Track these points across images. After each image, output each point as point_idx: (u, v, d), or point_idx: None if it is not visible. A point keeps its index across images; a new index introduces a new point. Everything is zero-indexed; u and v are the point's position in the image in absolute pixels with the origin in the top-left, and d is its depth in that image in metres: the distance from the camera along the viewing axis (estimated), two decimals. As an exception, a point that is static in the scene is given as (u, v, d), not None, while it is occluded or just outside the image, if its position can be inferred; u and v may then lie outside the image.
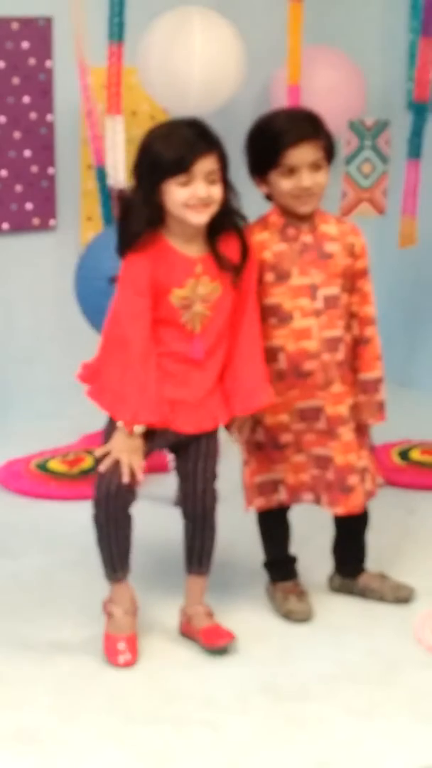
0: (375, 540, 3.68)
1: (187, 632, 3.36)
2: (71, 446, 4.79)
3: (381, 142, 4.47)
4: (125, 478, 3.14)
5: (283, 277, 3.32)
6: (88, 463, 4.57)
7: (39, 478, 4.50)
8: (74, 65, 4.56)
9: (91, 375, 3.22)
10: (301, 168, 3.25)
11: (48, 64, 4.97)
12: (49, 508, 4.30)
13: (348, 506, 3.41)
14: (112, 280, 3.20)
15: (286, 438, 3.41)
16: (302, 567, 3.60)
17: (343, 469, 3.38)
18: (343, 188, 4.38)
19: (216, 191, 3.09)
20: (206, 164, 3.06)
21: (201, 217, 3.09)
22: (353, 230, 3.42)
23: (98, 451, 3.20)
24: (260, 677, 3.18)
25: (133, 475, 3.16)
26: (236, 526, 3.47)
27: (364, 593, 3.58)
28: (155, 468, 4.19)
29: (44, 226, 5.08)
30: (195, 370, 3.19)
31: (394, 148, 4.50)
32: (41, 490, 4.42)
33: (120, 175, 4.14)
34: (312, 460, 3.42)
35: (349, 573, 3.61)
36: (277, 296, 3.32)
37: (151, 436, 3.19)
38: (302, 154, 3.24)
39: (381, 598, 3.56)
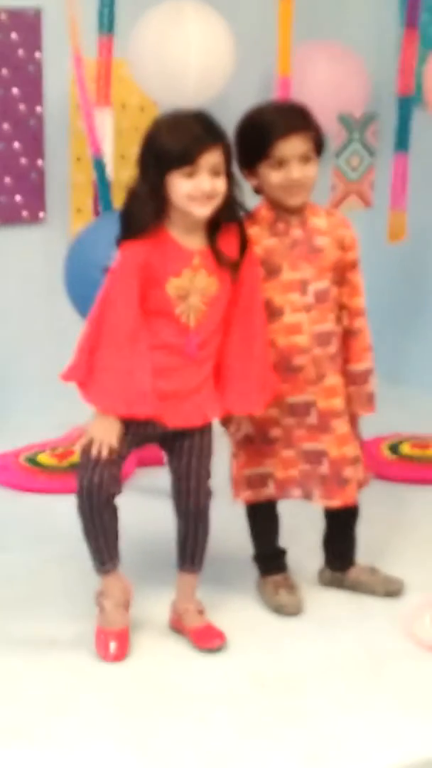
0: (365, 533, 3.68)
1: (177, 628, 3.36)
2: (61, 439, 4.78)
3: (368, 134, 4.47)
4: (94, 452, 3.12)
5: (273, 272, 3.31)
6: (77, 456, 4.54)
7: (28, 472, 4.50)
8: (64, 57, 4.55)
9: (84, 372, 3.16)
10: (291, 160, 3.24)
11: (37, 55, 4.95)
12: (39, 502, 4.29)
13: (344, 498, 3.42)
14: (107, 270, 3.19)
15: (275, 432, 3.41)
16: (292, 561, 3.60)
17: (339, 461, 3.39)
18: (332, 181, 4.38)
19: (220, 184, 3.08)
20: (212, 157, 3.05)
21: (204, 210, 3.08)
22: (343, 222, 3.41)
23: (80, 441, 3.18)
24: (250, 670, 3.18)
25: (117, 466, 3.15)
26: (227, 520, 3.46)
27: (354, 587, 3.58)
28: (150, 461, 4.18)
29: (33, 219, 5.07)
30: (187, 365, 3.18)
31: (384, 141, 4.50)
32: (31, 483, 4.42)
33: (108, 167, 4.14)
34: (302, 456, 3.42)
35: (339, 566, 3.61)
36: (268, 291, 3.31)
37: (138, 428, 3.18)
38: (292, 146, 3.24)
39: (371, 591, 3.56)
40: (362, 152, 4.43)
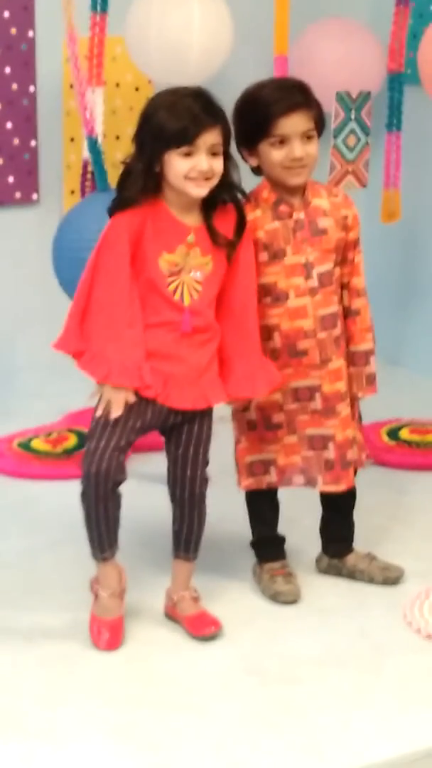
0: (364, 520, 3.66)
1: (172, 615, 3.34)
2: (54, 425, 4.76)
3: (364, 113, 4.44)
4: (116, 410, 3.08)
5: (277, 255, 3.29)
6: (71, 442, 4.55)
7: (22, 458, 4.47)
8: (57, 36, 4.52)
9: (77, 341, 3.12)
10: (293, 138, 3.20)
11: (30, 34, 4.91)
12: (32, 488, 4.27)
13: (348, 481, 3.42)
14: None
15: (278, 418, 3.39)
16: (289, 549, 3.58)
17: (344, 444, 3.39)
18: (330, 161, 4.34)
19: (218, 164, 3.05)
20: (210, 137, 3.03)
21: (201, 190, 3.06)
22: (345, 202, 3.38)
23: (91, 395, 3.13)
24: (246, 660, 3.16)
25: (123, 453, 3.12)
26: (223, 507, 3.46)
27: (352, 574, 3.56)
28: (147, 446, 4.15)
29: (26, 200, 5.05)
30: (187, 345, 3.14)
31: (379, 120, 4.48)
32: (24, 469, 4.39)
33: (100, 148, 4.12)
34: (305, 441, 3.39)
35: (337, 552, 3.59)
36: (272, 275, 3.29)
37: (143, 412, 3.14)
38: (294, 123, 3.20)
39: (369, 579, 3.54)
40: (358, 132, 4.40)
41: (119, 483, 3.16)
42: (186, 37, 4.26)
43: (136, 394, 3.11)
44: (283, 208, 3.30)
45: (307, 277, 3.30)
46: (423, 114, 5.22)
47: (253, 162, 3.29)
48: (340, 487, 3.42)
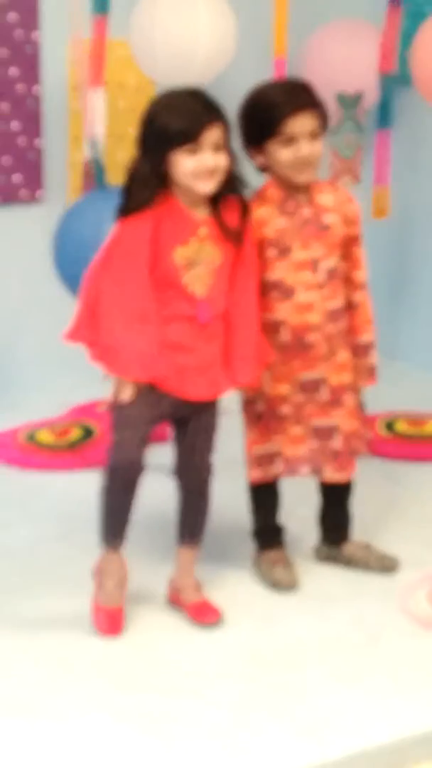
0: (360, 511, 3.70)
1: (175, 602, 3.38)
2: (60, 417, 4.79)
3: (359, 112, 4.49)
4: (123, 398, 3.14)
5: (284, 252, 3.34)
6: (76, 434, 4.58)
7: (28, 450, 4.50)
8: (62, 37, 4.54)
9: (89, 333, 3.17)
10: (300, 137, 3.26)
11: (35, 35, 4.94)
12: (38, 480, 4.30)
13: (352, 470, 3.49)
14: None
15: (285, 409, 3.44)
16: (288, 538, 3.62)
17: (351, 435, 3.45)
18: (330, 160, 4.39)
19: (222, 159, 3.11)
20: (213, 133, 3.08)
21: (208, 186, 3.11)
22: (348, 198, 3.44)
23: (107, 377, 3.18)
24: (246, 646, 3.20)
25: (139, 451, 3.18)
26: (223, 497, 3.47)
27: (349, 563, 3.61)
28: (154, 437, 4.20)
29: (31, 199, 5.07)
30: (200, 337, 3.20)
31: (371, 118, 4.53)
32: (30, 461, 4.43)
33: (100, 148, 4.15)
34: (310, 432, 3.45)
35: (335, 539, 3.63)
36: (279, 271, 3.35)
37: (159, 404, 3.20)
38: (301, 123, 3.26)
39: (366, 567, 3.58)
40: (354, 130, 4.45)
41: (140, 475, 3.22)
42: (191, 41, 4.28)
43: (153, 386, 3.16)
44: (289, 205, 3.35)
45: (315, 271, 3.36)
46: (415, 113, 5.27)
47: (260, 161, 3.34)
48: (346, 476, 3.49)
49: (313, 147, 3.29)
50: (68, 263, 4.16)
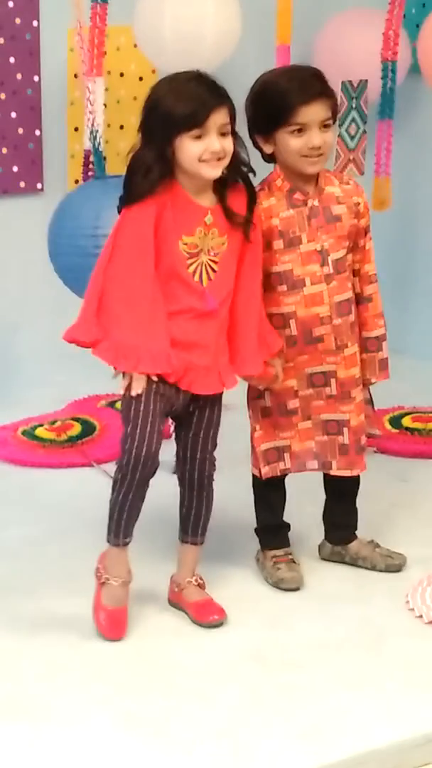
0: (366, 508, 3.67)
1: (176, 601, 3.35)
2: (58, 413, 4.77)
3: (362, 102, 4.46)
4: (134, 392, 3.08)
5: (292, 243, 3.31)
6: (75, 430, 4.56)
7: (26, 446, 4.48)
8: (61, 26, 4.51)
9: (94, 330, 3.11)
10: (312, 126, 3.22)
11: (34, 23, 4.91)
12: (37, 476, 4.28)
13: (362, 466, 3.45)
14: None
15: (293, 404, 3.41)
16: (292, 536, 3.59)
17: (358, 429, 3.42)
18: (336, 150, 4.36)
19: (228, 144, 3.07)
20: (219, 117, 3.04)
21: (215, 171, 3.07)
22: (356, 189, 3.41)
23: (116, 373, 3.13)
24: (250, 646, 3.17)
25: (153, 443, 3.12)
26: (226, 494, 3.45)
27: (355, 561, 3.57)
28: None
29: (31, 189, 5.04)
30: (206, 330, 3.15)
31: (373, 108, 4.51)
32: (28, 457, 4.40)
33: (99, 137, 4.12)
34: (319, 427, 3.42)
35: (340, 539, 3.60)
36: (287, 263, 3.31)
37: (171, 398, 3.15)
38: (313, 112, 3.22)
39: (372, 566, 3.55)
40: (358, 120, 4.41)
41: (154, 472, 3.17)
42: (200, 27, 4.26)
43: (164, 381, 3.11)
44: (297, 196, 3.31)
45: (323, 264, 3.32)
46: (422, 103, 5.25)
47: (269, 149, 3.29)
48: (355, 472, 3.45)
49: (324, 137, 3.24)
50: (63, 254, 4.10)
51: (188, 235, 3.11)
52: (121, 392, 3.13)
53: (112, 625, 3.20)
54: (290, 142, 3.24)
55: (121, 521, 3.21)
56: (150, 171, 3.05)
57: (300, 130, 3.22)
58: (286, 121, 3.22)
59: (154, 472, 3.17)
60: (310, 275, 3.32)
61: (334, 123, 3.29)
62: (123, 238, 3.09)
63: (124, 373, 3.12)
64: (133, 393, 3.09)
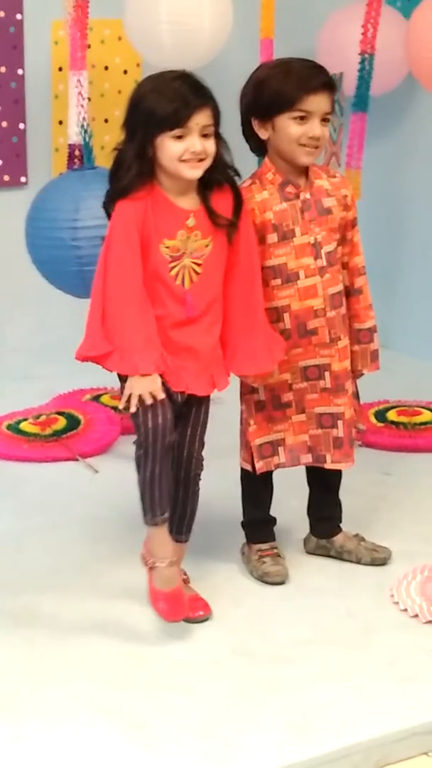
0: (351, 502, 3.67)
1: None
2: (43, 407, 4.76)
3: (341, 95, 4.47)
4: (148, 402, 3.03)
5: (286, 236, 3.30)
6: (60, 424, 4.55)
7: (11, 440, 4.47)
8: (45, 19, 4.50)
9: (103, 345, 3.07)
10: (315, 116, 3.22)
11: (18, 16, 4.89)
12: (22, 470, 4.26)
13: (353, 458, 3.46)
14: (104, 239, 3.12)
15: (287, 397, 3.41)
16: (277, 530, 3.58)
17: (351, 422, 3.43)
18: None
19: (210, 145, 3.04)
20: (201, 118, 3.01)
21: (195, 172, 3.05)
22: (343, 182, 3.42)
23: (121, 402, 3.09)
24: (235, 640, 3.16)
25: (165, 413, 3.07)
26: (213, 487, 3.44)
27: (340, 554, 3.57)
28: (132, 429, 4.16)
29: (15, 183, 5.03)
30: (193, 332, 3.13)
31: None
32: (13, 451, 4.39)
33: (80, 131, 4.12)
34: (314, 420, 3.42)
35: (325, 532, 3.60)
36: (282, 256, 3.31)
37: (170, 396, 3.12)
38: (320, 102, 3.22)
39: (357, 559, 3.55)
40: (338, 112, 4.41)
41: (171, 440, 3.12)
42: (199, 19, 4.27)
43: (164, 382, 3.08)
44: (289, 189, 3.31)
45: (316, 256, 3.32)
46: (415, 99, 5.25)
47: (264, 135, 3.28)
48: (349, 464, 3.46)
49: (323, 130, 3.25)
50: (41, 246, 4.08)
51: (170, 238, 3.08)
52: (127, 406, 3.07)
53: (173, 608, 3.16)
54: (291, 128, 3.23)
55: (154, 497, 3.14)
56: (131, 168, 3.04)
57: (303, 118, 3.21)
58: (292, 107, 3.21)
59: (170, 445, 3.13)
60: (304, 268, 3.32)
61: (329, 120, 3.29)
62: (114, 244, 3.05)
63: (126, 377, 3.07)
64: (148, 402, 3.03)
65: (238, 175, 3.19)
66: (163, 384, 3.07)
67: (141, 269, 3.04)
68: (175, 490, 3.27)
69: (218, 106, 3.07)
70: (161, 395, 3.04)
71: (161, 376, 3.07)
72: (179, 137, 3.01)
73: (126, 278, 3.04)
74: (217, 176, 3.11)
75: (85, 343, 3.07)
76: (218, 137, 3.08)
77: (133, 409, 3.06)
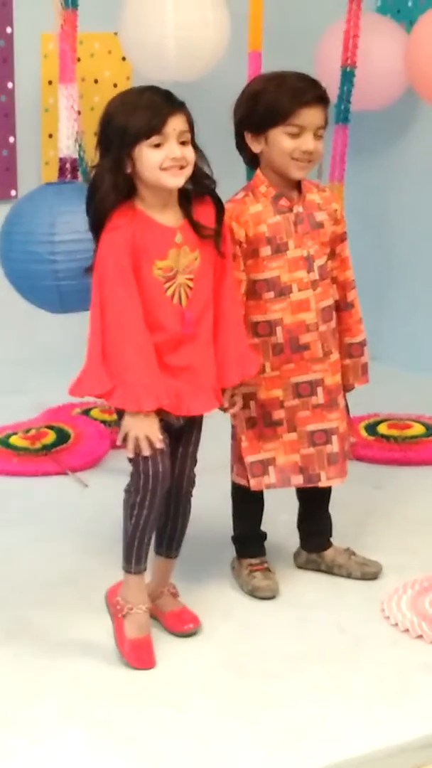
0: (341, 516, 3.66)
1: (152, 611, 3.28)
2: (33, 421, 4.74)
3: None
4: (145, 452, 3.03)
5: (280, 249, 3.30)
6: (50, 438, 4.53)
7: (0, 454, 4.44)
8: (35, 32, 4.50)
9: (104, 380, 3.03)
10: (308, 130, 3.22)
11: (8, 30, 4.89)
12: (11, 484, 4.24)
13: (346, 472, 3.45)
14: (88, 270, 3.09)
15: (278, 415, 3.39)
16: (268, 544, 3.57)
17: (344, 436, 3.43)
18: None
19: (189, 152, 3.02)
20: (177, 123, 2.99)
21: (177, 180, 3.02)
22: (333, 196, 3.43)
23: (119, 438, 3.08)
24: (225, 655, 3.15)
25: (164, 460, 3.07)
26: (203, 501, 3.42)
27: (331, 569, 3.56)
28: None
29: (5, 196, 5.03)
30: (192, 351, 3.10)
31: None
32: (3, 466, 4.37)
33: (73, 145, 4.11)
34: (305, 439, 3.40)
35: (316, 547, 3.59)
36: (275, 269, 3.30)
37: (170, 422, 3.11)
38: (314, 116, 3.22)
39: (348, 574, 3.54)
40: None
41: (167, 488, 3.12)
42: (203, 32, 4.29)
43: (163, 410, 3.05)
44: (283, 202, 3.31)
45: (309, 270, 3.32)
46: (413, 115, 5.27)
47: (257, 148, 3.28)
48: (343, 480, 3.45)
49: (316, 144, 3.25)
50: (17, 260, 4.04)
51: (161, 259, 3.05)
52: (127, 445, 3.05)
53: (143, 654, 3.12)
54: (284, 142, 3.23)
55: (143, 545, 3.14)
56: (109, 185, 2.99)
57: (296, 132, 3.22)
58: (285, 120, 3.21)
59: (164, 492, 3.11)
60: (297, 281, 3.31)
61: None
62: (109, 281, 3.00)
63: (123, 412, 3.05)
64: (154, 445, 3.02)
65: (215, 183, 3.14)
66: (163, 418, 3.05)
67: (138, 302, 3.01)
68: (166, 507, 3.25)
69: (191, 114, 3.04)
70: (159, 444, 3.03)
71: (161, 409, 3.03)
72: (157, 145, 2.97)
73: (124, 315, 3.00)
74: (198, 187, 3.09)
75: (87, 381, 3.03)
76: (195, 147, 3.05)
77: (130, 455, 3.05)
